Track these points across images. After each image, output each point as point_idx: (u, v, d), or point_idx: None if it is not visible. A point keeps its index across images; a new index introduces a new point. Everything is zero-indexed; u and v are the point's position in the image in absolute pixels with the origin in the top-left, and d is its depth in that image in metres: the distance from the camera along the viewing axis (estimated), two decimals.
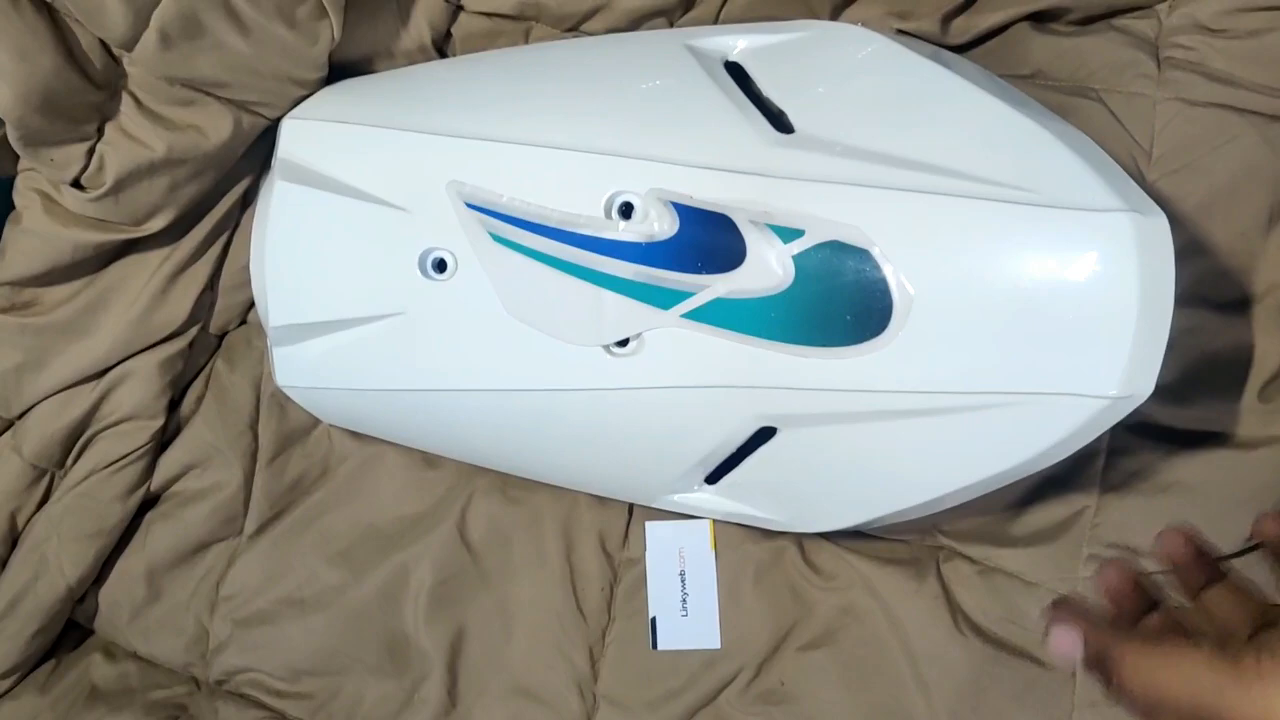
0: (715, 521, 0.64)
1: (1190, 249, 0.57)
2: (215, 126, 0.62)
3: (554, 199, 0.55)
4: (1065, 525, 0.61)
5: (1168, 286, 0.45)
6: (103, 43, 0.58)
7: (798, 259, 0.51)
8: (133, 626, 0.70)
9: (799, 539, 0.64)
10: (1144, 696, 0.27)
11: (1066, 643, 0.29)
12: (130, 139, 0.60)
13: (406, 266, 0.58)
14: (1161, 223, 0.45)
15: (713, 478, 0.59)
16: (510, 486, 0.68)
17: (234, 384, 0.69)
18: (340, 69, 0.65)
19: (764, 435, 0.55)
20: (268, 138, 0.65)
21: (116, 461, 0.67)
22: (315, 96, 0.64)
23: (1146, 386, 0.45)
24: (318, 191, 0.60)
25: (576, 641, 0.66)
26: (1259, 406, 0.59)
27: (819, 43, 0.54)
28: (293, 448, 0.69)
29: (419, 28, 0.65)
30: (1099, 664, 0.29)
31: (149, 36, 0.56)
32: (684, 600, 0.65)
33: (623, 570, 0.67)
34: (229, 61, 0.59)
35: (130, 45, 0.57)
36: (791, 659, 0.64)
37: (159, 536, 0.69)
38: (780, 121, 0.53)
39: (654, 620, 0.66)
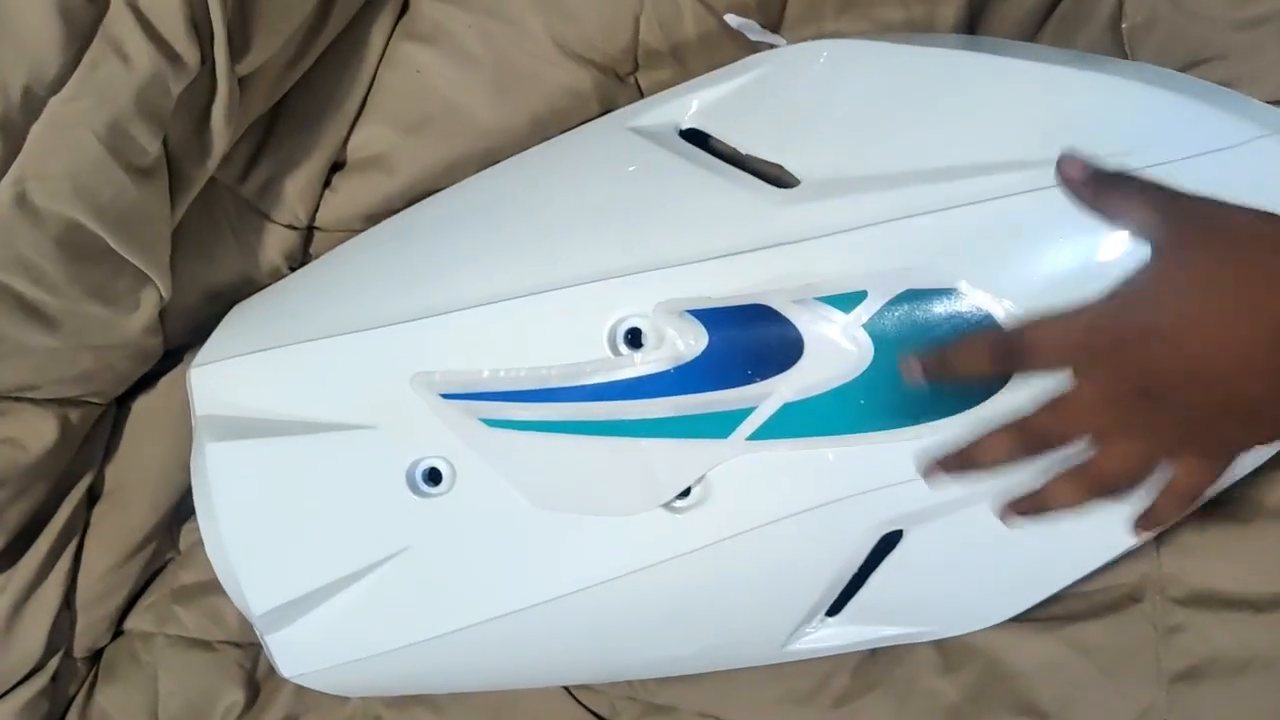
0: None
1: None
2: (35, 434, 0.50)
3: (545, 353, 0.45)
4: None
5: None
6: None
7: (870, 327, 0.42)
8: None
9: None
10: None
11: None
12: None
13: (394, 492, 0.47)
14: None
15: (835, 607, 0.49)
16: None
17: (121, 711, 0.57)
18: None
19: (888, 543, 0.46)
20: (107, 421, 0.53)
21: None
22: (215, 335, 0.51)
23: None
24: (258, 441, 0.48)
25: None
26: None
27: (782, 73, 0.46)
28: None
29: (269, 261, 0.54)
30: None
31: None
32: None
33: None
34: (35, 363, 0.47)
35: None
36: None
37: None
38: (777, 177, 0.45)
39: None
